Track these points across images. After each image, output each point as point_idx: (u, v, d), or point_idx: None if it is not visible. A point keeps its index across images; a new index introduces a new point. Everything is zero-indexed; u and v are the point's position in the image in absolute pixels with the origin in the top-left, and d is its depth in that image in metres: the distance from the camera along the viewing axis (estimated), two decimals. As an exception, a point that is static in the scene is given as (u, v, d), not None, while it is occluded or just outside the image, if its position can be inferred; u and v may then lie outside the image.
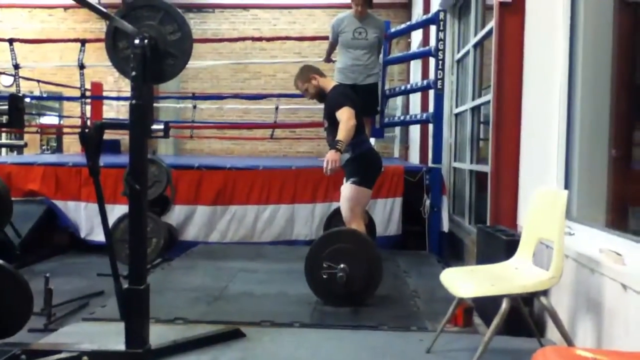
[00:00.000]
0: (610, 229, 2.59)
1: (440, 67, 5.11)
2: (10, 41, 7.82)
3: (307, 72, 4.03)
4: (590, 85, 2.92)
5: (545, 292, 2.39)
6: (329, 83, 4.04)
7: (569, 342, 2.32)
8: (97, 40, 7.50)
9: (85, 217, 5.58)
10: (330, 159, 3.58)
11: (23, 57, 8.59)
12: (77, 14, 12.62)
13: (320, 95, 4.04)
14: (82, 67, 7.99)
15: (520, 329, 2.74)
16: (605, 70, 2.90)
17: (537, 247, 2.64)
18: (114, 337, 2.66)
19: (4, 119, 2.13)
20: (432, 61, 5.53)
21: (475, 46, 5.50)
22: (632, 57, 2.89)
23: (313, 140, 11.27)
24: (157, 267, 4.63)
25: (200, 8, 12.58)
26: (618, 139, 2.88)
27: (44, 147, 13.03)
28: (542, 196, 2.63)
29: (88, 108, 8.95)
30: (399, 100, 10.18)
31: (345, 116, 3.70)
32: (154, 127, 2.62)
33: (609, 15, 2.87)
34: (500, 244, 3.00)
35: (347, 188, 3.86)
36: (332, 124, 3.82)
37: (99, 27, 11.96)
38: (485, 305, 3.14)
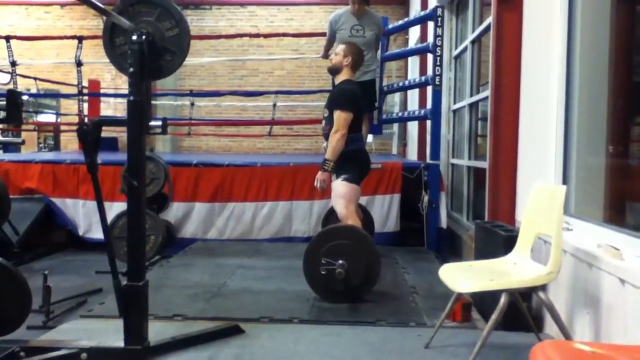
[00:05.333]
0: (608, 224, 2.60)
1: (438, 63, 5.10)
2: (7, 38, 7.79)
3: (350, 51, 4.01)
4: (587, 81, 2.93)
5: (543, 287, 2.40)
6: (346, 74, 4.03)
7: (567, 336, 2.33)
8: (94, 37, 7.46)
9: (83, 215, 5.57)
10: (320, 179, 3.85)
11: (20, 55, 8.56)
12: (74, 11, 12.60)
13: (333, 71, 4.08)
14: (79, 64, 7.96)
15: (519, 324, 2.75)
16: (602, 66, 2.90)
17: (535, 242, 2.64)
18: (112, 334, 2.66)
19: (1, 114, 2.12)
20: (430, 57, 5.53)
21: (473, 42, 5.50)
22: (630, 53, 2.89)
23: (311, 137, 11.27)
24: (156, 265, 4.63)
25: (197, 5, 12.56)
26: (616, 135, 2.89)
27: (41, 145, 13.00)
28: (540, 192, 2.63)
29: (85, 105, 8.94)
30: (397, 96, 10.18)
31: (337, 124, 3.77)
32: (152, 123, 2.62)
33: (606, 10, 2.88)
34: (498, 240, 3.00)
35: (339, 185, 3.87)
36: (331, 115, 3.86)
37: (95, 25, 11.94)
38: (484, 301, 3.15)
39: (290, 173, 5.53)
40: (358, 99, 3.96)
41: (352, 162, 3.90)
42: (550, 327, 2.79)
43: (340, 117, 3.78)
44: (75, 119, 9.38)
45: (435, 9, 5.20)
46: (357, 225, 3.73)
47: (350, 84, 4.01)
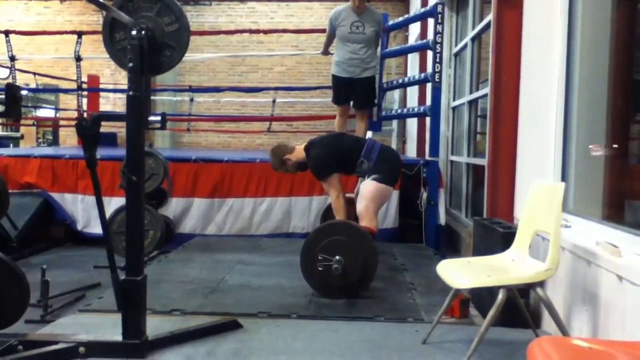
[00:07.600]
0: (607, 221, 2.60)
1: (437, 60, 5.09)
2: (6, 33, 7.76)
3: (279, 156, 4.14)
4: (587, 78, 2.92)
5: (541, 284, 2.40)
6: (301, 151, 4.10)
7: (565, 332, 2.33)
8: (94, 32, 7.46)
9: (82, 210, 5.57)
10: None
11: (19, 50, 8.55)
12: (74, 6, 12.57)
13: (301, 165, 4.16)
14: (78, 59, 7.94)
15: (516, 320, 2.75)
16: (602, 63, 2.90)
17: (534, 239, 2.64)
18: (110, 328, 2.66)
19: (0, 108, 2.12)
20: (429, 54, 5.53)
21: (473, 39, 5.49)
22: (630, 51, 2.89)
23: (310, 133, 11.21)
24: (154, 260, 4.63)
25: (197, 0, 12.54)
26: (615, 133, 2.89)
27: (40, 140, 12.99)
28: (539, 189, 2.64)
29: (84, 101, 8.92)
30: (396, 93, 10.18)
31: (328, 191, 4.01)
32: (151, 118, 2.62)
33: (607, 8, 2.87)
34: (496, 236, 3.01)
35: (366, 184, 3.87)
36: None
37: (95, 20, 11.92)
38: (482, 297, 3.16)
39: (289, 169, 5.52)
40: (326, 154, 3.97)
41: (381, 165, 3.89)
42: (547, 323, 2.80)
43: (327, 187, 3.98)
44: (74, 114, 9.37)
45: (435, 6, 5.20)
46: (372, 228, 3.74)
47: (313, 151, 4.01)
